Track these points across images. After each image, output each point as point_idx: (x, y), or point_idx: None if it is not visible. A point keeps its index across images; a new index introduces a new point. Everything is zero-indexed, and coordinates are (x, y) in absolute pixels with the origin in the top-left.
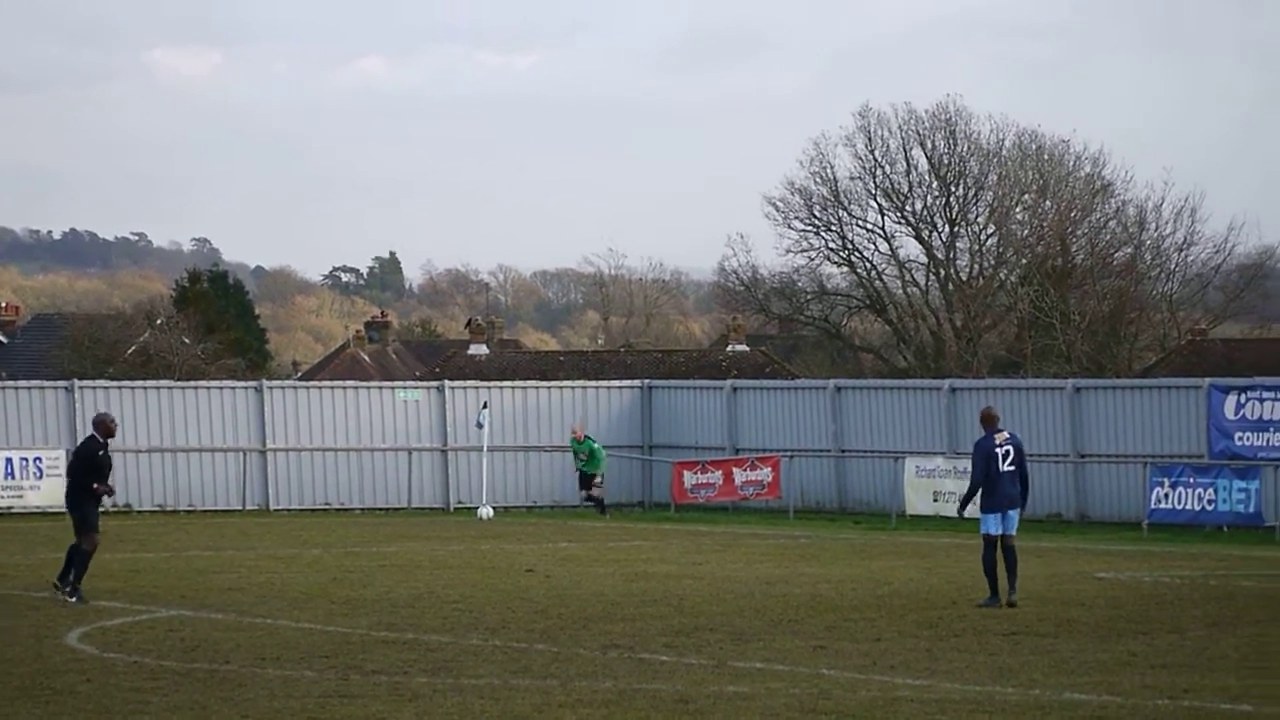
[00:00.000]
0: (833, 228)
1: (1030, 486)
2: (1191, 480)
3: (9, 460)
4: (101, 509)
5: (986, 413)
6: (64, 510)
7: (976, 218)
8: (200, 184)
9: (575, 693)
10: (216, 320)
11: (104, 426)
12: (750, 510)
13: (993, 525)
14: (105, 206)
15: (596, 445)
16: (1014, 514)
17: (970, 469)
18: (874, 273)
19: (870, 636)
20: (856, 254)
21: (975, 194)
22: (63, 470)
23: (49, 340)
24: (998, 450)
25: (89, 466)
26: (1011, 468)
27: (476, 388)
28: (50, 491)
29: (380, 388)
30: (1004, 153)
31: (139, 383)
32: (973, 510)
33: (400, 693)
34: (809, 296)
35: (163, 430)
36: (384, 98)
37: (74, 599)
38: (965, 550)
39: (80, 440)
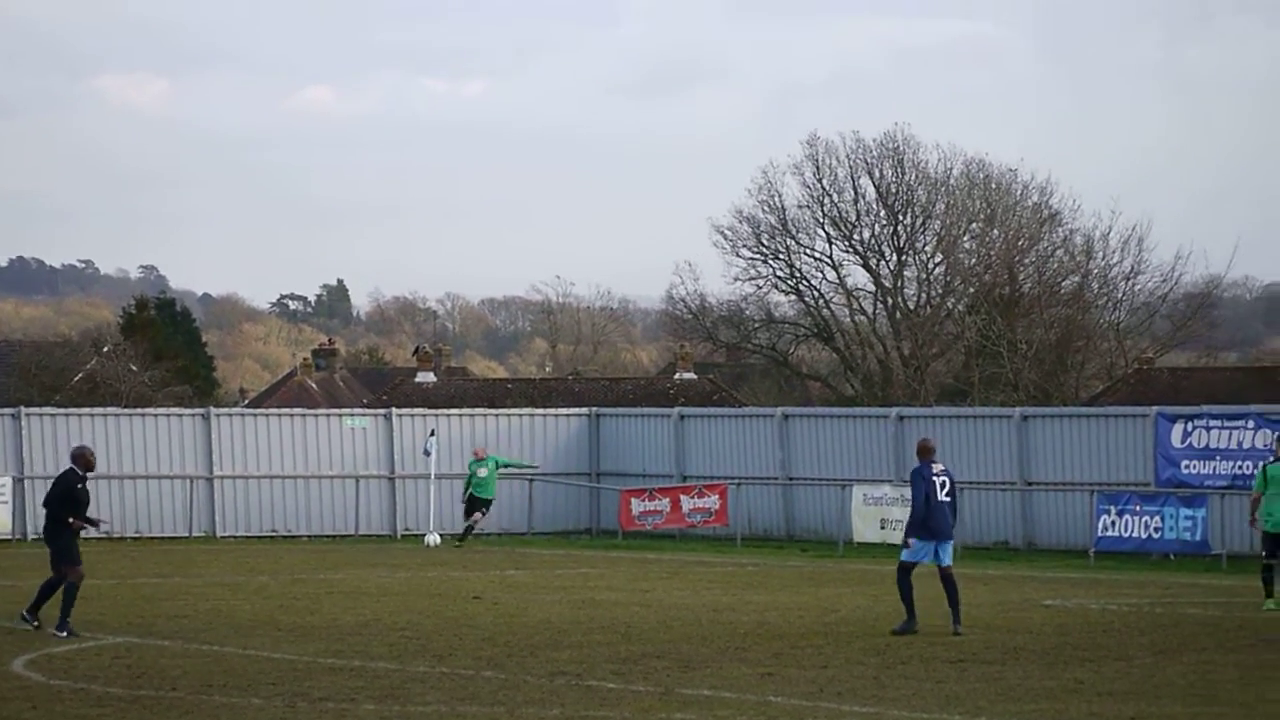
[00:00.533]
0: (780, 256)
1: (958, 518)
2: (1138, 508)
3: None
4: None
5: (923, 444)
6: (11, 537)
7: (924, 246)
8: (148, 211)
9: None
10: (164, 347)
11: (83, 459)
12: (698, 538)
13: (920, 554)
14: (53, 234)
15: (502, 459)
16: (948, 545)
17: (911, 496)
18: (821, 301)
19: (818, 664)
20: (804, 282)
21: (923, 223)
22: (10, 497)
23: None
24: (935, 479)
25: (67, 499)
26: (947, 498)
27: (424, 415)
28: None
29: (327, 415)
30: (952, 181)
31: (86, 410)
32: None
33: None
34: (756, 324)
35: (109, 457)
36: (331, 125)
37: (64, 633)
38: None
39: (58, 471)
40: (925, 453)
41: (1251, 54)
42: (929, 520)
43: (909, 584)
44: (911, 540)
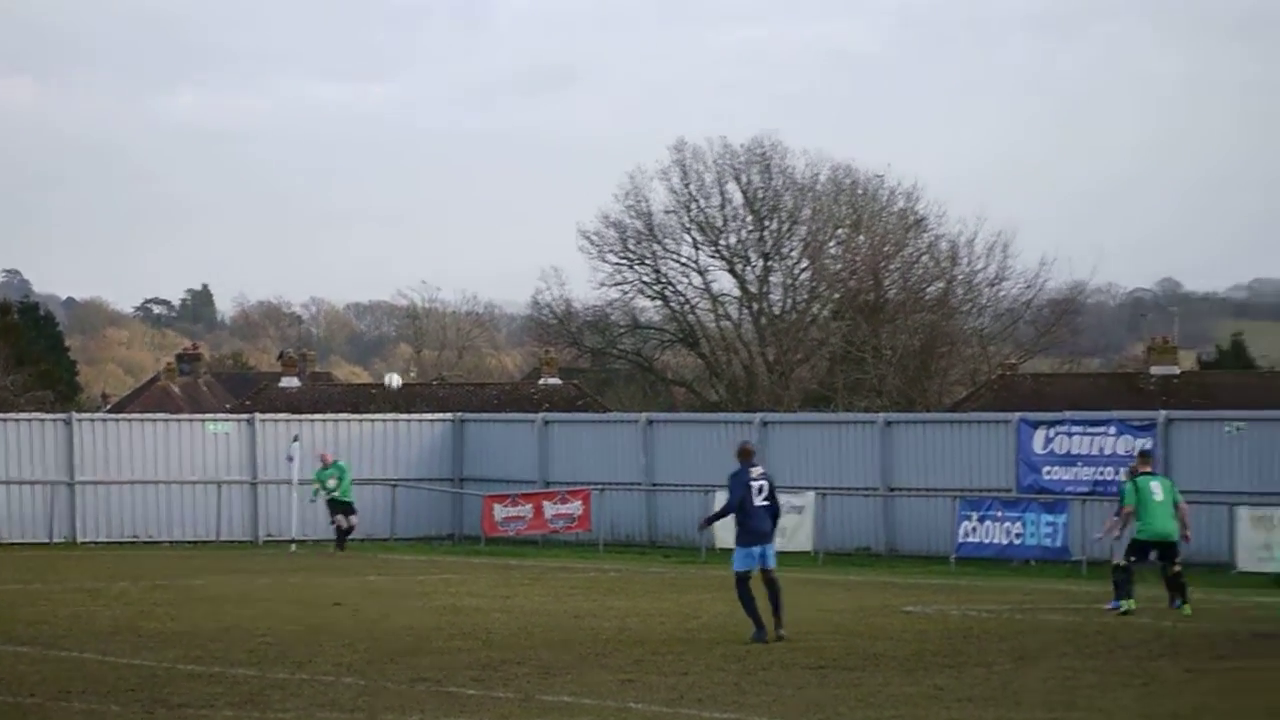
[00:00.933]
0: (647, 261)
1: (779, 519)
2: (1000, 514)
3: None
4: None
5: (743, 446)
6: None
7: (790, 252)
8: (10, 214)
9: None
10: (26, 352)
11: None
12: (561, 543)
13: (747, 561)
14: None
15: (345, 464)
16: (770, 547)
17: (728, 494)
18: (687, 306)
19: (678, 670)
20: (670, 288)
21: (789, 228)
22: None
23: None
24: (753, 484)
25: None
26: (766, 502)
27: (287, 420)
28: None
29: (190, 420)
30: (818, 187)
31: None
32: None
33: None
34: (622, 330)
35: None
36: (194, 128)
37: None
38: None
39: None
40: (745, 455)
41: (1119, 60)
42: (747, 525)
43: (748, 593)
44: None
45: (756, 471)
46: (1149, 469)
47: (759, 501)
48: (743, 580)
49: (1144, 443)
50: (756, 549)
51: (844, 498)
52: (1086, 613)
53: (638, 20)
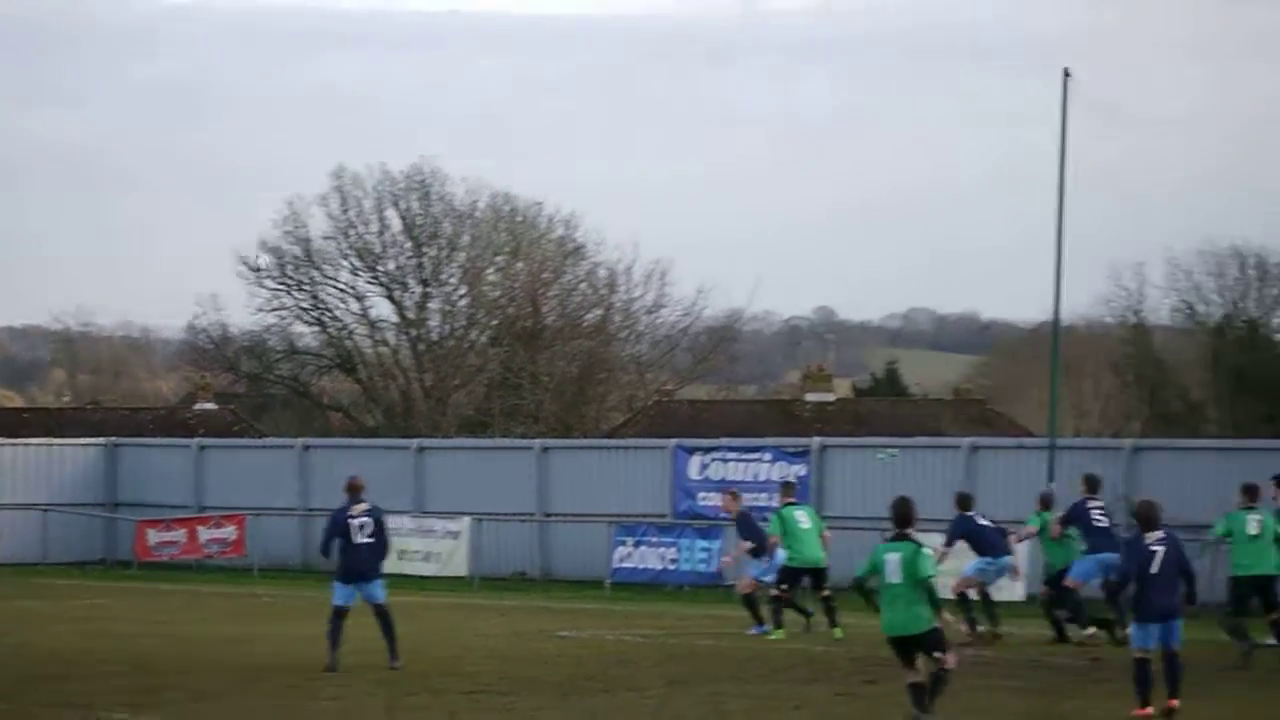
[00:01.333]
0: (305, 287)
1: (389, 552)
2: (654, 539)
3: None
4: None
5: (351, 482)
6: None
7: (449, 278)
8: None
9: None
10: None
11: None
12: (216, 568)
13: (343, 596)
14: None
15: None
16: (376, 585)
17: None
18: (345, 332)
19: (331, 695)
20: (328, 313)
21: (448, 255)
22: None
23: None
24: (352, 521)
25: None
26: (370, 539)
27: None
28: None
29: None
30: (478, 214)
31: None
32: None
33: None
34: (279, 355)
35: None
36: None
37: None
38: (426, 609)
39: None
40: (352, 491)
41: (770, 91)
42: (345, 562)
43: (337, 629)
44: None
45: (360, 508)
46: (793, 499)
47: (363, 539)
48: (338, 614)
49: (795, 471)
50: (352, 587)
51: (500, 523)
52: (738, 638)
53: (292, 43)
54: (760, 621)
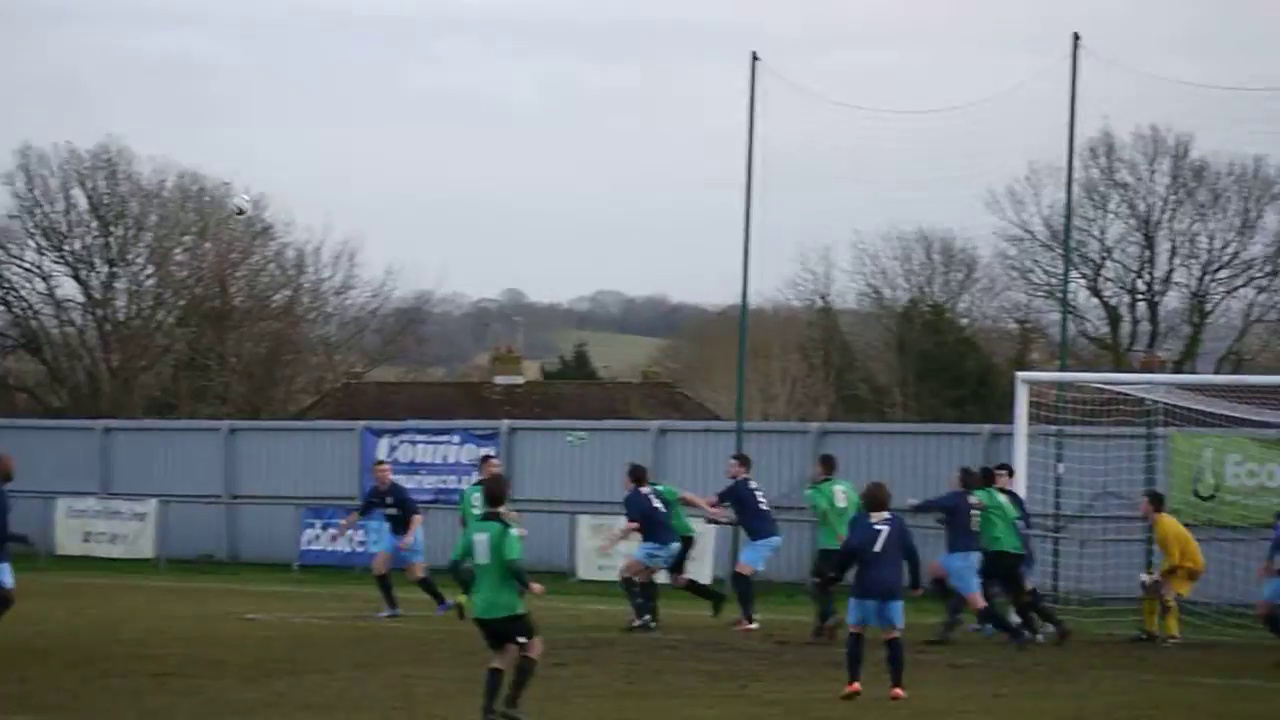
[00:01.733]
0: None
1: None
2: (343, 522)
3: None
4: None
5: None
6: None
7: (136, 258)
8: None
9: None
10: None
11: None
12: None
13: None
14: None
15: None
16: (5, 567)
17: None
18: (30, 312)
19: (15, 679)
20: (13, 293)
21: (135, 234)
22: None
23: None
24: None
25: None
26: None
27: None
28: None
29: None
30: (165, 194)
31: None
32: None
33: None
34: None
35: None
36: None
37: None
38: (118, 591)
39: None
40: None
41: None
42: None
43: None
44: None
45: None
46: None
47: None
48: None
49: (485, 452)
50: None
51: (187, 505)
52: (425, 620)
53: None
54: (442, 601)
